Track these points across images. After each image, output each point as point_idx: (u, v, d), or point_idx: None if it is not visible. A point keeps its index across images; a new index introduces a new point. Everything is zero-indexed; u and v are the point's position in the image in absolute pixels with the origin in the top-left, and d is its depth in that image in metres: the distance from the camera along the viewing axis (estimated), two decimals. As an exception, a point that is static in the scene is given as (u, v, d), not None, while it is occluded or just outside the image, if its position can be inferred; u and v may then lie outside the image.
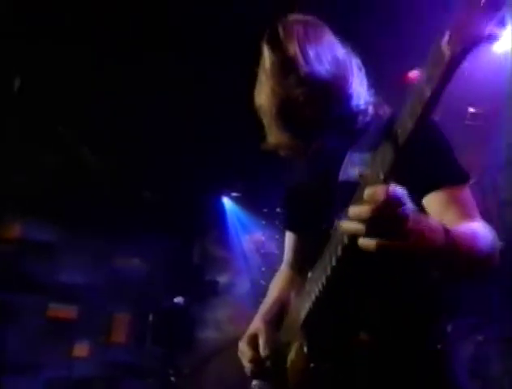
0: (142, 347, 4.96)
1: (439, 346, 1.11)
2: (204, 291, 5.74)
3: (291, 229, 1.47)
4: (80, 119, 4.99)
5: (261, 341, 1.28)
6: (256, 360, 1.27)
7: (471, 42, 0.66)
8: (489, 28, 0.65)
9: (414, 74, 4.35)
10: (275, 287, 1.51)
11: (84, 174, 5.56)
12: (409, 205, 0.77)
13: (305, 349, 1.11)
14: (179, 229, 6.04)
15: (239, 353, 1.34)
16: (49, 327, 4.93)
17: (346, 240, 0.87)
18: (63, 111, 4.79)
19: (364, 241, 0.78)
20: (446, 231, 0.84)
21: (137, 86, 4.61)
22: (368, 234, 0.77)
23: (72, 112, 4.82)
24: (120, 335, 5.42)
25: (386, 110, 1.17)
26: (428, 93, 0.71)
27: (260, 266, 5.68)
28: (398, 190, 0.76)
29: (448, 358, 1.11)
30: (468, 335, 3.56)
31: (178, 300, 4.89)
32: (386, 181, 0.77)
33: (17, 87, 3.56)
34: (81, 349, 5.13)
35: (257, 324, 1.36)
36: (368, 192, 0.76)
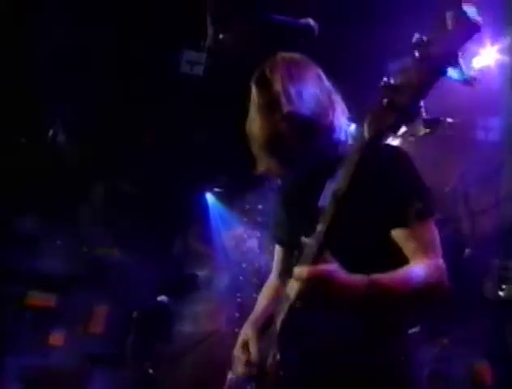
0: (119, 338, 4.98)
1: (402, 358, 1.25)
2: (183, 285, 5.79)
3: (277, 243, 1.63)
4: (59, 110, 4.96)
5: (251, 347, 1.41)
6: (248, 364, 1.41)
7: (380, 131, 0.86)
8: (395, 121, 0.84)
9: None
10: (264, 295, 1.65)
11: (62, 164, 5.53)
12: (332, 275, 1.06)
13: (278, 357, 1.25)
14: (160, 223, 6.07)
15: (235, 359, 1.47)
16: (26, 315, 4.93)
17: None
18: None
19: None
20: (371, 284, 1.10)
21: (119, 78, 4.62)
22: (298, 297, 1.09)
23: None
24: (98, 326, 5.43)
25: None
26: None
27: (240, 262, 5.75)
28: (320, 268, 1.05)
29: (409, 368, 1.26)
30: (434, 337, 3.72)
31: (162, 298, 4.97)
32: (320, 252, 1.04)
33: None
34: (57, 338, 5.13)
35: (247, 331, 1.49)
36: (295, 271, 1.07)
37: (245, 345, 1.44)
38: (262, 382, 1.35)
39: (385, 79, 0.85)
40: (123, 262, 5.83)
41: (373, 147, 0.87)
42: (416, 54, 0.79)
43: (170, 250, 6.33)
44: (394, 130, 0.84)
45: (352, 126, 1.39)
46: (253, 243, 5.66)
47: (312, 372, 1.24)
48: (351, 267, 1.11)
